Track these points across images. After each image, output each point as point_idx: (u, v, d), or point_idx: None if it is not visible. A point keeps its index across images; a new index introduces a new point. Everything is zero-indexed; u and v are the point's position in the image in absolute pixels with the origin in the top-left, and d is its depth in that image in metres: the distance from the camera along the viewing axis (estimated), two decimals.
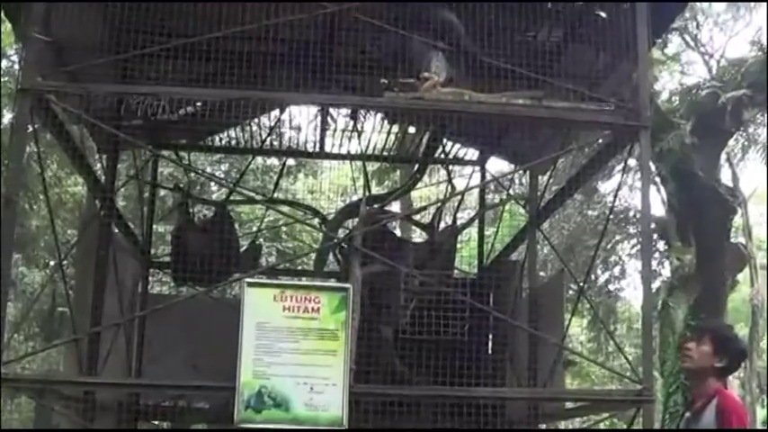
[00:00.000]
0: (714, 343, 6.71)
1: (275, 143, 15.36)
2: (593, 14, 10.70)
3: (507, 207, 15.32)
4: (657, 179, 22.03)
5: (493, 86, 9.80)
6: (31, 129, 9.63)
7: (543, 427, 12.99)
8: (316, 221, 13.91)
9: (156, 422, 14.84)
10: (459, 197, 14.99)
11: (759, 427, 28.09)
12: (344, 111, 13.71)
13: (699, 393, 6.78)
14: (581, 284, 13.16)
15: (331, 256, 13.17)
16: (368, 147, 14.96)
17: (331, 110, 13.92)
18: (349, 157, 15.47)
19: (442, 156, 15.00)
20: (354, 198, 15.14)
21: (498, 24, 10.02)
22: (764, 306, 29.89)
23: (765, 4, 23.24)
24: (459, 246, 14.37)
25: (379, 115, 13.37)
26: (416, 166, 13.52)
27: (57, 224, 13.86)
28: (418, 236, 16.34)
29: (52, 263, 23.84)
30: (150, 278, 15.28)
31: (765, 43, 20.56)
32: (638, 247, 22.36)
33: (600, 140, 11.39)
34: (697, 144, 19.09)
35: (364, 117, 13.95)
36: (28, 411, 24.93)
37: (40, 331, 25.46)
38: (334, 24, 10.86)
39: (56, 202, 20.39)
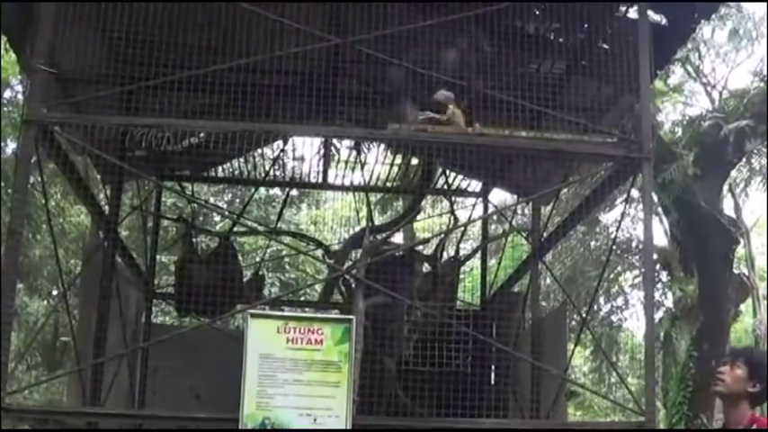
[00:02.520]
0: (749, 367, 6.34)
1: (278, 174, 15.40)
2: (595, 47, 10.74)
3: (510, 238, 15.31)
4: (660, 210, 22.04)
5: (496, 119, 9.84)
6: (35, 159, 9.67)
7: None
8: (319, 252, 13.92)
9: None
10: (461, 229, 15.00)
11: None
12: (348, 142, 13.77)
13: (732, 420, 6.42)
14: (584, 315, 13.17)
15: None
16: (371, 178, 14.99)
17: (334, 141, 13.97)
18: (352, 188, 15.51)
19: (445, 187, 15.05)
20: (357, 228, 15.18)
21: (501, 57, 10.08)
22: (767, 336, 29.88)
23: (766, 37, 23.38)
24: (461, 277, 14.37)
25: (382, 146, 13.41)
26: (414, 197, 13.55)
27: (60, 254, 13.87)
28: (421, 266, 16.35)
29: (55, 292, 23.85)
30: (153, 308, 15.30)
31: (766, 74, 20.61)
32: (641, 277, 22.35)
33: (602, 172, 11.40)
34: (699, 175, 19.09)
35: (367, 148, 14.00)
36: None
37: (42, 361, 25.45)
38: (338, 57, 10.91)
39: (59, 231, 20.40)
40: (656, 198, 19.61)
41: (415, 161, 14.39)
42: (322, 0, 10.68)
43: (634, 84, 9.78)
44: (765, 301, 30.33)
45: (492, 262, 17.15)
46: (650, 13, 10.24)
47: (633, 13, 10.40)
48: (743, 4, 24.37)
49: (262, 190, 21.26)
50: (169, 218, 16.67)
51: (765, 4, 21.31)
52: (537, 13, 10.82)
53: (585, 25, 10.54)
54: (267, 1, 9.89)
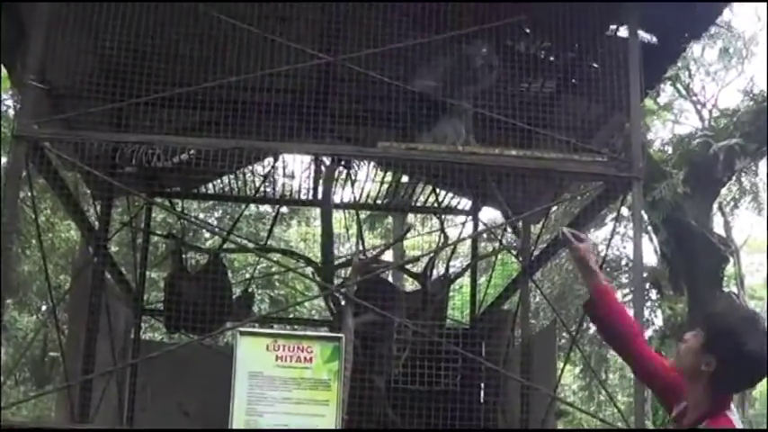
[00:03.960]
0: (706, 336, 4.61)
1: (269, 190, 15.40)
2: (585, 66, 10.76)
3: (499, 257, 15.33)
4: (650, 228, 22.07)
5: (486, 137, 9.86)
6: (24, 174, 9.66)
7: None
8: (309, 270, 13.91)
9: None
10: (451, 247, 15.01)
11: None
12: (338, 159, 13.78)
13: (690, 403, 4.69)
14: (573, 334, 13.17)
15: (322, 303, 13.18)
16: (361, 195, 15.00)
17: (324, 158, 13.98)
18: (342, 205, 15.52)
19: (435, 205, 15.07)
20: (347, 245, 15.20)
21: (492, 75, 10.10)
22: None
23: (757, 54, 23.46)
24: (451, 295, 14.38)
25: (372, 164, 13.41)
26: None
27: (49, 269, 13.84)
28: (411, 284, 16.36)
29: (44, 308, 23.80)
30: (143, 325, 15.27)
31: (759, 91, 20.64)
32: (631, 295, 22.39)
33: (592, 191, 11.42)
34: (689, 193, 19.14)
35: (357, 166, 14.00)
36: None
37: (31, 376, 25.39)
38: (329, 75, 10.92)
39: (48, 247, 20.37)
40: (645, 216, 19.64)
41: (405, 179, 14.42)
42: None
43: (624, 103, 9.79)
44: None
45: (482, 280, 17.16)
46: (640, 32, 10.27)
47: (623, 32, 10.42)
48: (733, 23, 24.49)
49: (252, 206, 21.26)
50: (159, 234, 16.66)
51: (765, 4, 21.45)
52: (527, 31, 10.85)
53: (576, 44, 10.55)
54: None
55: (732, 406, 4.61)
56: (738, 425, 4.57)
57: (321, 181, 14.36)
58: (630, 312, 5.85)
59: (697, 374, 4.58)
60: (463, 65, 9.97)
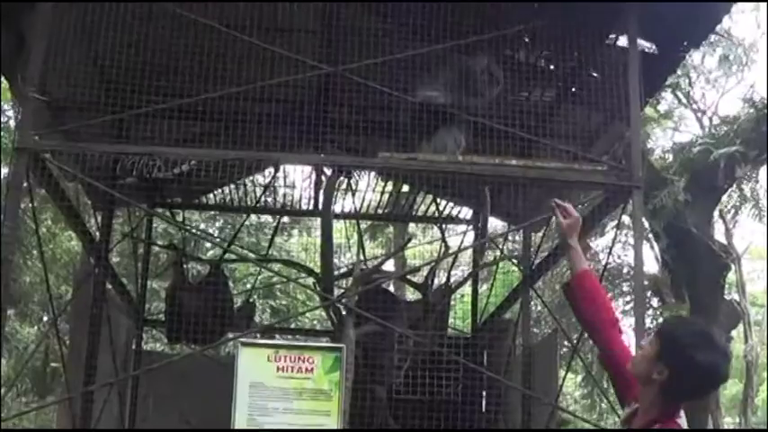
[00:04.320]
0: (659, 342, 4.72)
1: (269, 200, 15.41)
2: (585, 75, 10.77)
3: (501, 266, 15.32)
4: (651, 236, 22.05)
5: (486, 146, 9.86)
6: (25, 184, 9.68)
7: None
8: (310, 281, 13.91)
9: None
10: (452, 256, 15.01)
11: None
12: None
13: (642, 407, 4.82)
14: (575, 342, 13.16)
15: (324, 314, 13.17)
16: (362, 205, 15.01)
17: (325, 168, 13.98)
18: (343, 215, 15.53)
19: (436, 215, 15.08)
20: (348, 255, 15.21)
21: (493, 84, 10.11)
22: (759, 362, 29.91)
23: (757, 62, 23.47)
24: (452, 304, 14.37)
25: (373, 173, 13.42)
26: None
27: (50, 280, 13.85)
28: (412, 294, 16.36)
29: (45, 319, 23.79)
30: (144, 335, 15.28)
31: (759, 98, 20.62)
32: (632, 303, 22.37)
33: (593, 199, 11.42)
34: (690, 201, 19.09)
35: (358, 176, 14.00)
36: None
37: (32, 387, 25.36)
38: (329, 85, 10.93)
39: (49, 258, 20.37)
40: (646, 224, 19.63)
41: (406, 188, 14.43)
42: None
43: (624, 111, 9.78)
44: (757, 327, 30.41)
45: (483, 288, 17.15)
46: (640, 40, 10.27)
47: (623, 40, 10.43)
48: (732, 31, 24.50)
49: (253, 216, 21.26)
50: (160, 245, 16.67)
51: (765, 10, 21.48)
52: (527, 41, 10.85)
53: (576, 53, 10.56)
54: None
55: (681, 413, 4.71)
56: None
57: (322, 191, 14.39)
58: (623, 317, 5.80)
59: (650, 381, 4.68)
60: (469, 78, 9.97)
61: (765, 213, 22.74)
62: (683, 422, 4.69)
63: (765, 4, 22.82)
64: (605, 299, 5.59)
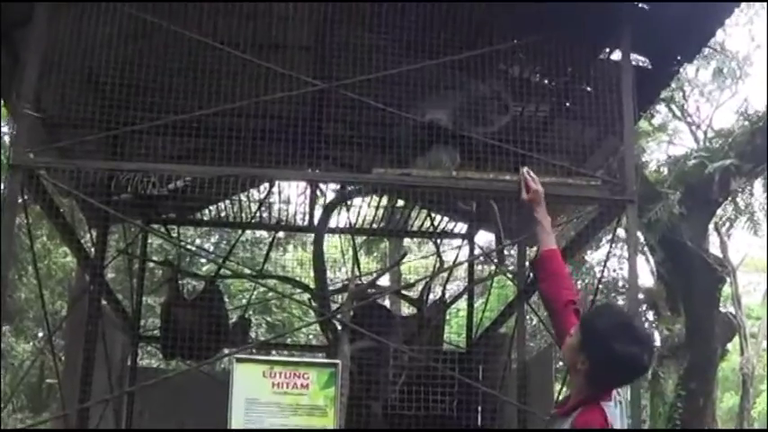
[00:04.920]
0: (581, 333, 4.92)
1: (264, 215, 15.42)
2: (579, 89, 10.78)
3: (496, 280, 15.33)
4: (646, 249, 22.09)
5: (480, 161, 9.87)
6: (20, 201, 9.67)
7: None
8: (305, 296, 13.91)
9: None
10: (447, 271, 15.03)
11: None
12: (333, 184, 13.79)
13: (572, 391, 5.08)
14: None
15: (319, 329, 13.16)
16: (357, 220, 15.01)
17: (320, 184, 13.99)
18: (338, 230, 15.53)
19: (431, 230, 15.09)
20: (343, 270, 15.21)
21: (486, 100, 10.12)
22: (755, 374, 29.93)
23: (751, 75, 23.51)
24: (447, 319, 14.38)
25: (368, 189, 13.43)
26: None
27: (45, 296, 13.84)
28: (407, 308, 16.37)
29: (41, 334, 23.79)
30: (139, 351, 15.27)
31: (753, 111, 20.66)
32: None
33: (587, 213, 11.43)
34: (685, 214, 19.15)
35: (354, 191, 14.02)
36: None
37: (28, 404, 25.35)
38: (323, 101, 10.94)
39: (45, 274, 20.37)
40: (641, 237, 19.67)
41: (400, 203, 14.44)
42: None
43: (618, 126, 9.80)
44: (753, 340, 30.43)
45: (479, 303, 17.15)
46: (633, 55, 10.29)
47: (617, 55, 10.44)
48: (726, 44, 24.56)
49: (248, 232, 21.26)
50: (155, 261, 16.67)
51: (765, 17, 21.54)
52: (521, 56, 10.87)
53: (569, 68, 10.57)
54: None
55: (612, 396, 4.95)
56: (610, 416, 4.84)
57: (318, 207, 14.42)
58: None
59: (575, 370, 4.94)
60: (478, 104, 9.98)
61: (760, 226, 22.79)
62: (609, 406, 4.86)
63: (759, 11, 22.91)
64: (566, 281, 5.69)
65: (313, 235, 12.79)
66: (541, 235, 5.75)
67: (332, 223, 14.70)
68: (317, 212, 15.06)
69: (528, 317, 14.59)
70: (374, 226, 15.70)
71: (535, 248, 5.77)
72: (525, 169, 5.98)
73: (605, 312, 5.19)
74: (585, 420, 4.83)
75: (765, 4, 22.36)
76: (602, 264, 18.76)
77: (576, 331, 4.96)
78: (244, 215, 15.33)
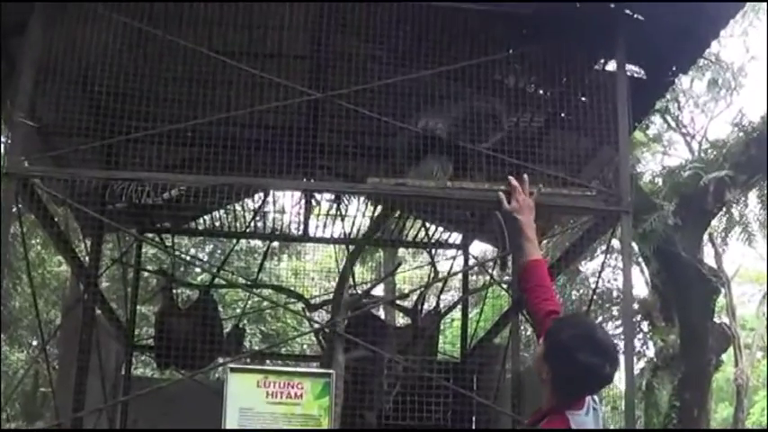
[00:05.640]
0: (546, 345, 5.00)
1: (259, 225, 15.41)
2: (574, 99, 10.77)
3: (490, 290, 15.30)
4: (641, 260, 22.08)
5: (475, 172, 9.87)
6: (15, 209, 9.66)
7: None
8: (299, 306, 13.91)
9: None
10: (442, 281, 15.03)
11: None
12: (328, 194, 13.80)
13: (543, 399, 5.11)
14: None
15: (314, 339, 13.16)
16: (351, 229, 15.01)
17: (315, 194, 13.98)
18: (332, 240, 15.54)
19: (425, 240, 15.08)
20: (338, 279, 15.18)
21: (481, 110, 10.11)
22: (749, 385, 29.93)
23: (746, 86, 23.54)
24: (442, 329, 14.37)
25: (363, 198, 13.43)
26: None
27: (40, 305, 13.82)
28: (402, 318, 16.36)
29: (35, 343, 23.75)
30: (134, 360, 15.25)
31: (748, 122, 20.67)
32: (621, 327, 22.41)
33: (582, 223, 11.43)
34: (680, 225, 19.14)
35: (348, 200, 14.03)
36: None
37: (21, 412, 25.29)
38: (318, 111, 10.94)
39: (39, 282, 20.34)
40: (636, 248, 19.66)
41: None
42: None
43: (613, 136, 9.80)
44: (747, 350, 30.44)
45: (473, 313, 17.14)
46: (628, 65, 10.30)
47: (612, 65, 10.45)
48: (721, 55, 24.59)
49: (243, 241, 21.25)
50: (149, 270, 16.66)
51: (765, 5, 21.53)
52: (516, 66, 10.87)
53: (564, 78, 10.57)
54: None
55: (586, 403, 4.91)
56: (575, 425, 4.84)
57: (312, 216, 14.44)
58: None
59: (541, 379, 4.99)
60: (473, 120, 9.96)
61: (754, 237, 22.81)
62: (578, 415, 4.85)
63: (754, 21, 22.95)
64: (549, 291, 5.68)
65: (308, 244, 12.78)
66: (525, 245, 5.77)
67: (327, 232, 14.75)
68: (312, 222, 15.10)
69: (522, 327, 14.59)
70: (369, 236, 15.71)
71: (520, 258, 5.77)
72: (512, 178, 5.96)
73: (570, 323, 5.20)
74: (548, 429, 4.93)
75: (763, 10, 22.40)
76: (597, 274, 18.71)
77: (542, 342, 5.03)
78: (238, 224, 15.33)
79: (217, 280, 15.52)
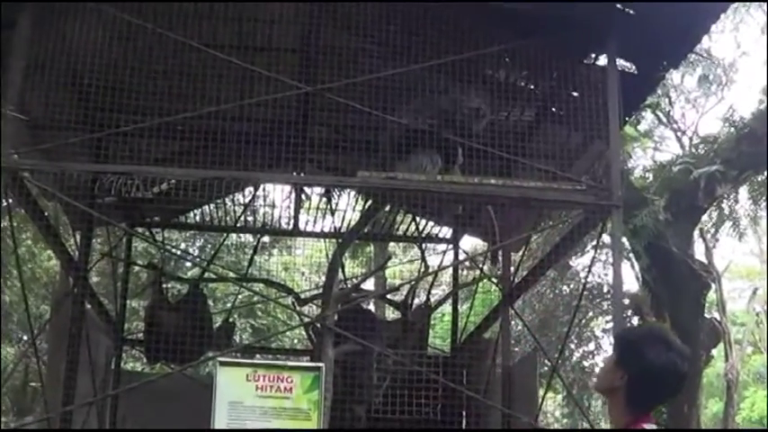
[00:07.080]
0: (617, 352, 4.86)
1: (250, 219, 15.40)
2: (565, 94, 10.77)
3: (480, 285, 15.30)
4: (631, 255, 22.07)
5: (466, 166, 9.86)
6: (5, 204, 9.65)
7: None
8: (290, 300, 13.89)
9: None
10: (432, 275, 15.02)
11: None
12: (318, 188, 13.79)
13: (612, 420, 4.89)
14: (553, 362, 13.15)
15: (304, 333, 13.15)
16: (342, 223, 15.00)
17: (305, 188, 13.97)
18: (322, 234, 15.53)
19: (416, 234, 15.07)
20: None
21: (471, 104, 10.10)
22: (740, 380, 29.99)
23: (737, 81, 23.56)
24: (432, 323, 14.37)
25: (353, 192, 13.42)
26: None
27: (29, 299, 13.79)
28: (392, 312, 16.34)
29: (25, 338, 23.70)
30: (123, 355, 15.22)
31: (738, 118, 20.67)
32: (612, 322, 22.40)
33: (573, 218, 11.41)
34: (670, 220, 19.14)
35: (338, 195, 14.02)
36: None
37: (11, 407, 25.27)
38: (308, 104, 10.93)
39: (29, 277, 20.31)
40: (627, 243, 19.66)
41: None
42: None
43: (604, 131, 9.79)
44: (737, 346, 30.50)
45: (464, 307, 17.13)
46: (619, 60, 10.30)
47: (602, 60, 10.45)
48: (712, 51, 24.60)
49: (233, 236, 21.23)
50: (139, 264, 16.62)
51: (766, 4, 21.55)
52: (507, 60, 10.86)
53: (555, 73, 10.57)
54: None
55: (651, 421, 4.70)
56: None
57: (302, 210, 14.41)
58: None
59: (613, 390, 4.73)
60: (456, 113, 9.95)
61: (745, 232, 22.82)
62: (652, 428, 4.66)
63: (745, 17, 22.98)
64: None
65: (298, 239, 12.76)
66: None
67: (317, 226, 14.74)
68: (302, 216, 15.08)
69: (512, 322, 14.61)
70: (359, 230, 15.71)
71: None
72: None
73: (638, 328, 5.15)
74: None
75: (754, 6, 22.43)
76: (587, 269, 18.71)
77: (613, 353, 4.85)
78: (228, 219, 15.32)
79: (207, 274, 15.50)
